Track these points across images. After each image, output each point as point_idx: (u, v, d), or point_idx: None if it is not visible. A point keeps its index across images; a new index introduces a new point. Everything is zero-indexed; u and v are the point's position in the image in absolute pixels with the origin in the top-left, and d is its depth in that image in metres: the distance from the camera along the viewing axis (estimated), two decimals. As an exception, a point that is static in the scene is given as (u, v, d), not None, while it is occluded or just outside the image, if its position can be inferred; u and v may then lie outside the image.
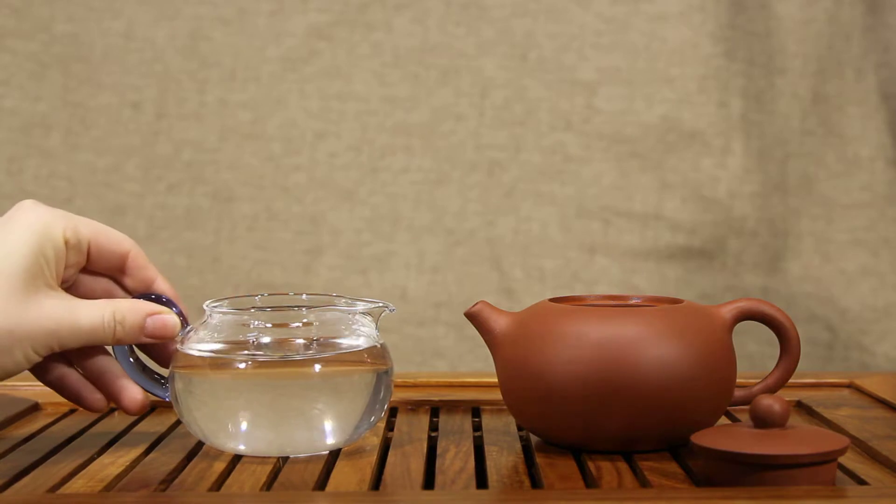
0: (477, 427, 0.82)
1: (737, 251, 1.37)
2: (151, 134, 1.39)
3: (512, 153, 1.38)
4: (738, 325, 0.76)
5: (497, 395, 0.82)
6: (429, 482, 0.69)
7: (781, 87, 1.38)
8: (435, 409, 0.88)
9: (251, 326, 0.73)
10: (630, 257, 1.37)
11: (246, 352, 0.72)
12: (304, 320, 0.73)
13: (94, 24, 1.39)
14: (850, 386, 0.94)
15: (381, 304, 0.75)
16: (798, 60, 1.37)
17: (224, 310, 0.74)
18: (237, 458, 0.74)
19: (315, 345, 0.73)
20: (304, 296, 0.77)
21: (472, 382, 0.93)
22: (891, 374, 0.99)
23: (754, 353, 1.31)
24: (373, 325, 0.75)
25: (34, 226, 0.69)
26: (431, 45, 1.38)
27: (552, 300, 0.79)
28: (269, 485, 0.68)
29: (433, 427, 0.82)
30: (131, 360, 0.75)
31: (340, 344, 0.74)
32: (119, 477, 0.70)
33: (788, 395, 0.88)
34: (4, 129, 1.39)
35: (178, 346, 0.73)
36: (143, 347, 0.76)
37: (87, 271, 0.73)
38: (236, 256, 1.38)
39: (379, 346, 0.74)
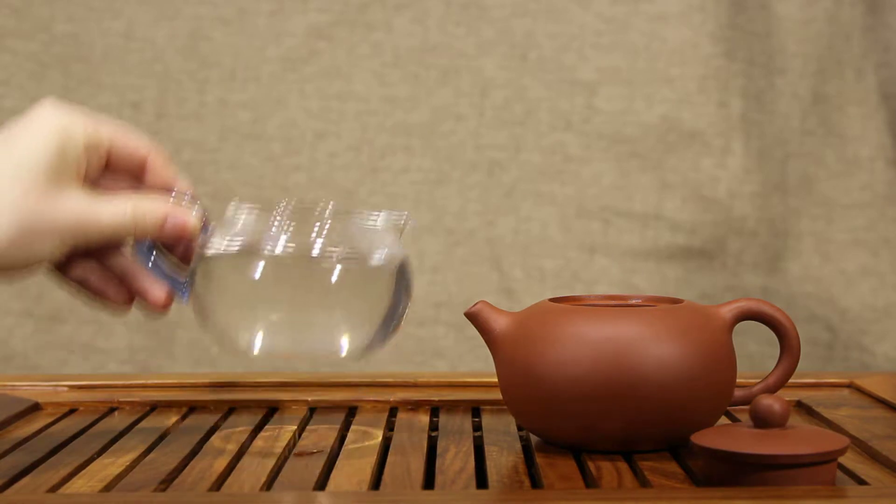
0: (477, 427, 0.82)
1: (737, 251, 1.37)
2: (151, 134, 1.39)
3: (512, 153, 1.38)
4: (738, 325, 0.76)
5: (497, 395, 0.82)
6: (429, 482, 0.69)
7: (781, 87, 1.38)
8: (435, 409, 0.88)
9: (273, 226, 0.73)
10: (630, 257, 1.37)
11: (266, 251, 0.72)
12: (328, 223, 0.73)
13: (94, 24, 1.39)
14: (850, 386, 0.94)
15: (404, 216, 0.75)
16: (798, 60, 1.37)
17: (247, 209, 0.74)
18: (237, 458, 0.74)
19: (337, 246, 0.73)
20: (329, 205, 0.76)
21: (472, 382, 0.93)
22: (891, 374, 0.99)
23: (754, 353, 1.31)
24: (396, 236, 0.75)
25: (56, 125, 0.69)
26: (431, 45, 1.38)
27: (552, 300, 0.79)
28: (269, 485, 0.68)
29: (433, 427, 0.82)
30: (152, 258, 0.74)
31: (362, 247, 0.73)
32: (119, 477, 0.70)
33: (788, 395, 0.88)
34: (4, 129, 1.39)
35: (199, 244, 0.73)
36: (164, 245, 0.75)
37: (108, 171, 0.73)
38: (236, 256, 1.38)
39: (400, 253, 0.74)
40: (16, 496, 0.66)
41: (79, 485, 0.68)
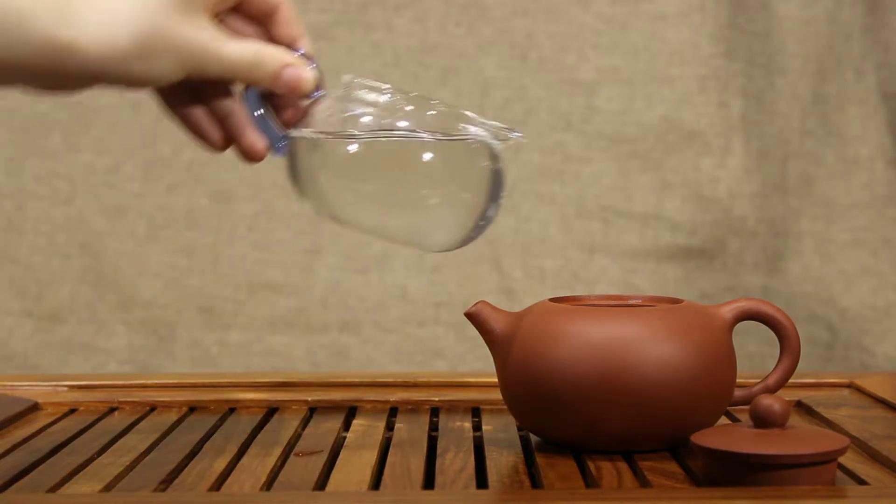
0: (477, 427, 0.82)
1: (737, 251, 1.37)
2: (151, 134, 1.39)
3: (512, 153, 1.38)
4: (738, 325, 0.76)
5: (497, 395, 0.82)
6: (429, 482, 0.69)
7: (781, 87, 1.38)
8: (435, 409, 0.88)
9: (383, 102, 0.73)
10: (630, 257, 1.37)
11: (372, 125, 0.72)
12: (440, 108, 0.73)
13: (94, 24, 1.39)
14: (850, 386, 0.94)
15: (512, 130, 0.75)
16: (798, 60, 1.37)
17: (360, 83, 0.74)
18: (237, 458, 0.74)
19: (442, 133, 0.73)
20: (440, 100, 0.76)
21: (472, 382, 0.93)
22: (891, 374, 0.99)
23: (754, 353, 1.31)
24: (498, 143, 0.74)
25: None
26: (431, 45, 1.38)
27: (552, 300, 0.79)
28: (269, 485, 0.68)
29: (433, 427, 0.82)
30: (259, 106, 0.74)
31: (466, 140, 0.73)
32: (119, 477, 0.70)
33: (788, 395, 0.88)
34: (4, 129, 1.39)
35: (307, 106, 0.74)
36: (271, 102, 0.75)
37: (238, 13, 0.73)
38: (236, 256, 1.38)
39: (499, 157, 0.74)
40: (16, 496, 0.66)
41: (79, 485, 0.68)
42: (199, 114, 0.73)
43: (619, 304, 0.80)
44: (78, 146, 1.39)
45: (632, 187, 1.37)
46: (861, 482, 0.67)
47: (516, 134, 0.75)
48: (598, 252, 1.37)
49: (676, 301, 0.78)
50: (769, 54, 1.38)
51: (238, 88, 0.73)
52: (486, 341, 0.77)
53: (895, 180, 1.37)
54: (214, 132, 0.73)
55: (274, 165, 1.39)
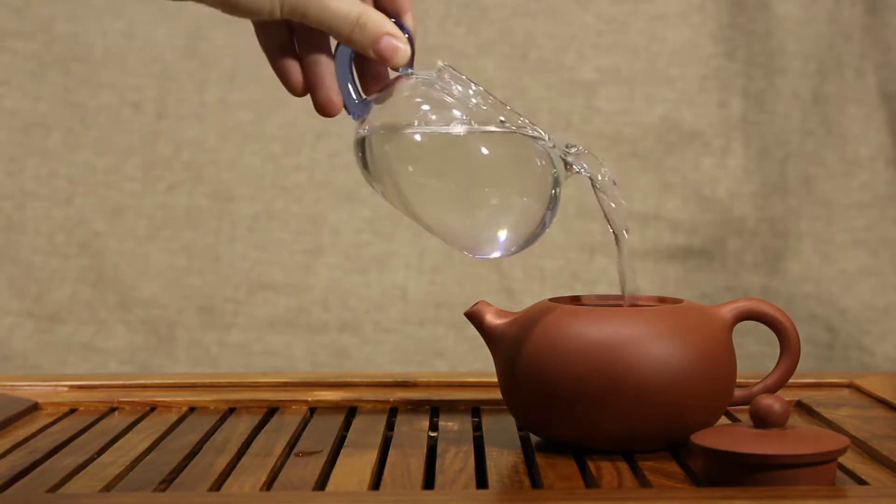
0: (477, 427, 0.82)
1: (737, 251, 1.37)
2: (151, 134, 1.39)
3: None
4: (738, 325, 0.76)
5: (497, 395, 0.82)
6: (429, 482, 0.69)
7: (781, 87, 1.38)
8: (435, 409, 0.88)
9: (464, 97, 0.73)
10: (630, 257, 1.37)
11: (446, 118, 0.73)
12: (518, 121, 0.74)
13: (94, 24, 1.39)
14: (850, 386, 0.94)
15: (577, 154, 0.77)
16: (798, 60, 1.37)
17: (450, 72, 0.75)
18: (237, 458, 0.74)
19: (515, 140, 0.73)
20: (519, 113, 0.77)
21: (472, 382, 0.93)
22: (891, 374, 0.99)
23: (754, 353, 1.31)
24: (561, 161, 0.76)
25: None
26: (431, 45, 1.38)
27: (552, 300, 0.79)
28: (269, 485, 0.68)
29: (433, 427, 0.82)
30: (347, 66, 0.74)
31: (536, 148, 0.74)
32: (119, 477, 0.70)
33: (788, 395, 0.88)
34: (4, 129, 1.39)
35: (393, 80, 0.74)
36: (359, 66, 0.76)
37: None
38: (236, 256, 1.38)
39: (563, 175, 0.76)
40: (16, 496, 0.66)
41: (79, 485, 0.68)
42: (285, 59, 0.74)
43: (619, 304, 0.80)
44: (78, 146, 1.39)
45: (632, 187, 1.37)
46: (861, 482, 0.67)
47: (587, 172, 0.75)
48: (598, 252, 1.37)
49: (676, 301, 0.78)
50: (769, 54, 1.38)
51: (332, 44, 0.73)
52: (485, 341, 0.77)
53: (895, 180, 1.37)
54: (297, 76, 0.74)
55: (275, 167, 1.39)
